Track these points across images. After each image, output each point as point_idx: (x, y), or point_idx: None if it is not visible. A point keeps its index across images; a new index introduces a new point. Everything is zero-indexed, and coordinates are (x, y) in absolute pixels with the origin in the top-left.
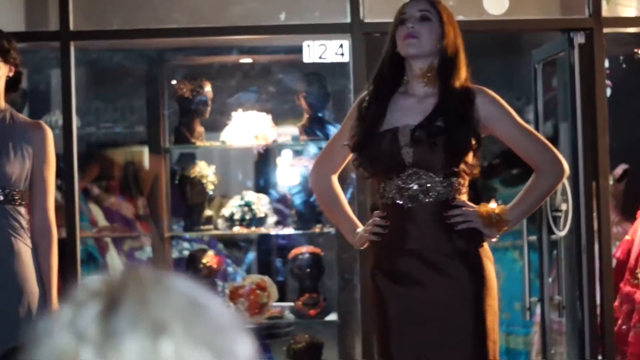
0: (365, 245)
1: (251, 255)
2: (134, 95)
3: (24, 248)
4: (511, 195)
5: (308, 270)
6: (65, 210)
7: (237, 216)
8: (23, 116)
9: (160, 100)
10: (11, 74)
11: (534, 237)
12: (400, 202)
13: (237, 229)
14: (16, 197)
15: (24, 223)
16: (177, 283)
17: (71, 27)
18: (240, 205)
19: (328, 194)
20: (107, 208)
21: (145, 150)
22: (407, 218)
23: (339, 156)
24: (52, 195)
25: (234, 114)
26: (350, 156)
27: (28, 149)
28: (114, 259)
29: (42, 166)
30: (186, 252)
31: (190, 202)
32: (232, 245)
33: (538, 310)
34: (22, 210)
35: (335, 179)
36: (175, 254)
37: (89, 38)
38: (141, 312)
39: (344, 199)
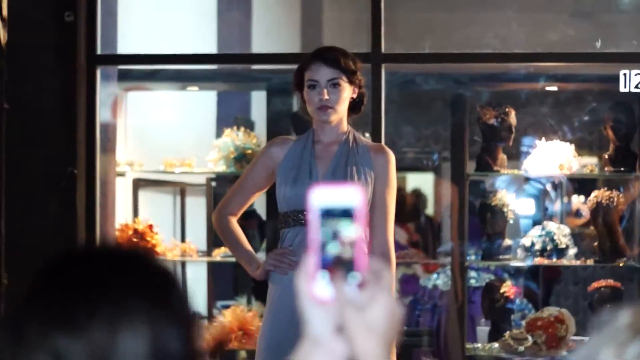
0: None
1: (537, 286)
2: (438, 119)
3: None
4: None
5: (608, 304)
6: None
7: (537, 246)
8: (366, 139)
9: (464, 126)
10: (354, 96)
11: None
12: None
13: (537, 260)
14: None
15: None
16: None
17: (383, 50)
18: (540, 235)
19: None
20: None
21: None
22: None
23: None
24: (392, 220)
25: (537, 142)
26: None
27: (370, 173)
28: None
29: (384, 191)
30: (472, 281)
31: (490, 230)
32: (518, 275)
33: None
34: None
35: None
36: None
37: (400, 61)
38: None
39: None
